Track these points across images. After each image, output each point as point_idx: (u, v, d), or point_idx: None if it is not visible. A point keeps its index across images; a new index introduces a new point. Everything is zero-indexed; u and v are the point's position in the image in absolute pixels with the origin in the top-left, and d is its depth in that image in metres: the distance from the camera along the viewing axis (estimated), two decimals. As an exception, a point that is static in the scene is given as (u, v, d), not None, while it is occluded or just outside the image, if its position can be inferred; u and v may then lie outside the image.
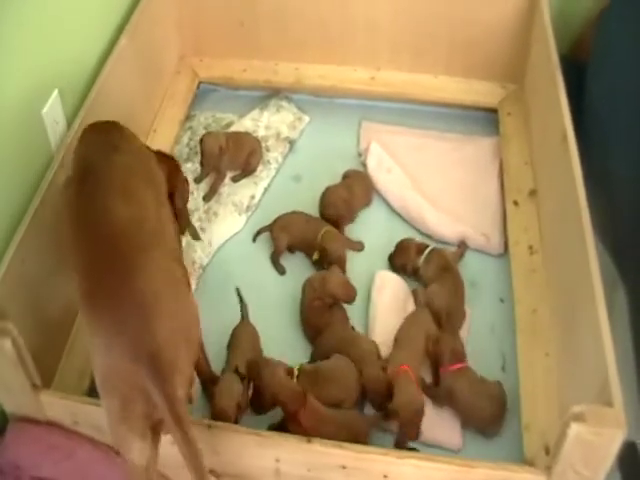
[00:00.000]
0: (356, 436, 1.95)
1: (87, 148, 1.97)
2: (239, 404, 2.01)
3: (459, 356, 2.17)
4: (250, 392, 2.07)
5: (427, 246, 2.46)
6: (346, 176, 2.74)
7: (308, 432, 1.87)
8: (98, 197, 1.78)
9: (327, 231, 2.52)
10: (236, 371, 2.10)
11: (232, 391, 2.04)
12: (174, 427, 1.53)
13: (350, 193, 2.64)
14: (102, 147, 1.94)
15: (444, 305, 2.31)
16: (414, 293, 2.39)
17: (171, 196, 2.14)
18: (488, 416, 2.09)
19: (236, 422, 2.00)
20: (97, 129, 2.03)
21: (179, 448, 1.55)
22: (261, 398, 2.02)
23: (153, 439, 1.65)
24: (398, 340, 2.23)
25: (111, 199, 1.77)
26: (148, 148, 2.11)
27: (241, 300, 2.40)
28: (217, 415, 1.98)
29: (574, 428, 1.59)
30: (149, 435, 1.63)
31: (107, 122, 2.05)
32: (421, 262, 2.43)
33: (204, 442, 1.82)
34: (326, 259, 2.47)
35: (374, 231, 2.62)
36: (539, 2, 2.78)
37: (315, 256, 2.51)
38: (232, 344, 2.25)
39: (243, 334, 2.28)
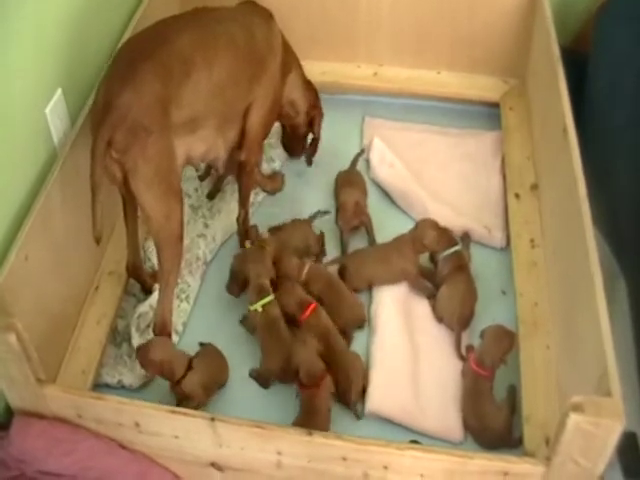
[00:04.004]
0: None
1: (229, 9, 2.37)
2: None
3: None
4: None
5: (456, 243, 2.45)
6: (339, 185, 2.72)
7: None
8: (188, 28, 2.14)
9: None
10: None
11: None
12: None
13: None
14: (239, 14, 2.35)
15: (457, 310, 2.32)
16: (431, 303, 2.40)
17: (311, 122, 2.70)
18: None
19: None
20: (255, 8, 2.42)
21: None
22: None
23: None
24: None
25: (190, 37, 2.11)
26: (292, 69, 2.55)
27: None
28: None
29: (573, 418, 1.60)
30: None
31: (266, 12, 2.42)
32: (442, 257, 2.43)
33: (207, 435, 1.85)
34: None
35: (377, 225, 2.61)
36: (540, -4, 2.79)
37: None
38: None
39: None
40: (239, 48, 2.24)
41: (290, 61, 2.54)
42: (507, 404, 2.13)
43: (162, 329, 2.16)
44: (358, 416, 2.15)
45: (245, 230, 2.57)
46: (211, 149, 2.26)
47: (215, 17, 2.27)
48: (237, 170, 2.46)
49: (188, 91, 2.06)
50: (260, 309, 2.26)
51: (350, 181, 2.71)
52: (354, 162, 2.83)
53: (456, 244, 2.45)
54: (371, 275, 2.44)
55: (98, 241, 2.00)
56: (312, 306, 2.28)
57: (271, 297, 2.27)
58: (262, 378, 2.23)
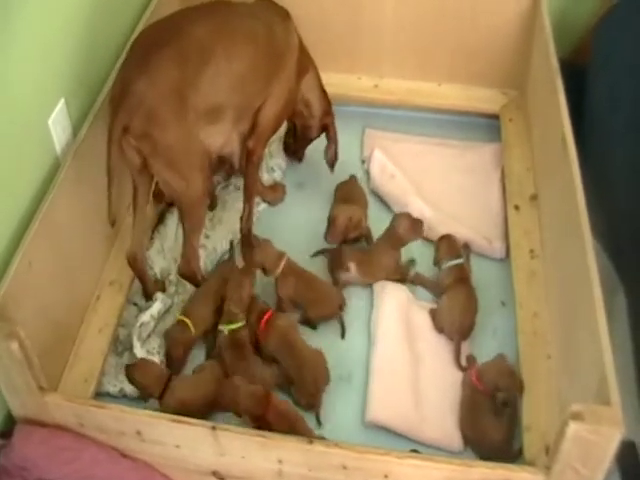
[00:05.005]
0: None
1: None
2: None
3: None
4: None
5: (460, 256, 2.47)
6: (336, 199, 2.72)
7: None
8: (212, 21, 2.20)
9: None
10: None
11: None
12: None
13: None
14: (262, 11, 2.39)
15: (457, 320, 2.33)
16: (431, 313, 2.40)
17: (326, 127, 2.73)
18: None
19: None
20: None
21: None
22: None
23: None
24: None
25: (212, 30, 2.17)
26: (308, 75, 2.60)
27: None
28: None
29: (572, 427, 1.61)
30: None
31: (284, 10, 2.46)
32: (444, 268, 2.45)
33: (208, 444, 1.86)
34: None
35: (377, 236, 2.60)
36: (540, 10, 2.81)
37: None
38: None
39: None
40: (259, 44, 2.29)
41: (306, 62, 2.58)
42: (507, 416, 2.12)
43: (191, 277, 2.36)
44: (319, 421, 2.16)
45: (248, 229, 2.57)
46: (227, 143, 2.32)
47: (236, 11, 2.32)
48: (244, 160, 2.48)
49: (207, 79, 2.11)
50: (226, 332, 2.27)
51: (348, 196, 2.71)
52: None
53: (460, 256, 2.46)
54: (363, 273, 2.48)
55: (113, 223, 2.14)
56: (268, 313, 2.31)
57: (240, 324, 2.27)
58: None
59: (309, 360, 2.22)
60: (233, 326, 2.26)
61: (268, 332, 2.28)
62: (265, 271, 2.39)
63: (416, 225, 2.47)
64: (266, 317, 2.30)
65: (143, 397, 2.16)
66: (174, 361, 2.28)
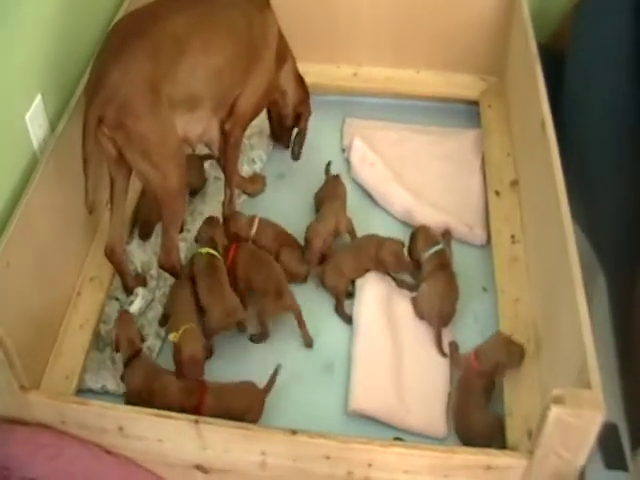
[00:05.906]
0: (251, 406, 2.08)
1: None
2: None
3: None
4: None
5: (438, 243, 2.46)
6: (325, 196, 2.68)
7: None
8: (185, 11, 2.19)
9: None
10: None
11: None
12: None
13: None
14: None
15: (437, 306, 2.32)
16: (412, 301, 2.40)
17: (298, 117, 2.75)
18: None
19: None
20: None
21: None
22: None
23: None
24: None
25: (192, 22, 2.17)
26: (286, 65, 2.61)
27: None
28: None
29: (554, 411, 1.61)
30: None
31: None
32: (425, 256, 2.43)
33: (191, 438, 1.85)
34: None
35: (358, 225, 2.61)
36: (518, -5, 2.81)
37: None
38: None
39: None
40: (239, 35, 2.29)
41: (285, 52, 2.59)
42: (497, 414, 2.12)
43: (171, 269, 2.33)
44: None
45: (230, 213, 2.57)
46: (206, 131, 2.34)
47: (216, 1, 2.31)
48: (222, 144, 2.47)
49: (183, 70, 2.12)
50: (203, 252, 2.33)
51: (329, 194, 2.67)
52: (327, 171, 2.81)
53: (438, 243, 2.46)
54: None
55: (91, 211, 2.18)
56: (234, 247, 2.40)
57: (217, 254, 2.34)
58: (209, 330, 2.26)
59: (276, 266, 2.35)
60: (211, 250, 2.33)
61: (237, 254, 2.37)
62: (242, 238, 2.47)
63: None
64: (233, 248, 2.40)
65: (116, 349, 2.17)
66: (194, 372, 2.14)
